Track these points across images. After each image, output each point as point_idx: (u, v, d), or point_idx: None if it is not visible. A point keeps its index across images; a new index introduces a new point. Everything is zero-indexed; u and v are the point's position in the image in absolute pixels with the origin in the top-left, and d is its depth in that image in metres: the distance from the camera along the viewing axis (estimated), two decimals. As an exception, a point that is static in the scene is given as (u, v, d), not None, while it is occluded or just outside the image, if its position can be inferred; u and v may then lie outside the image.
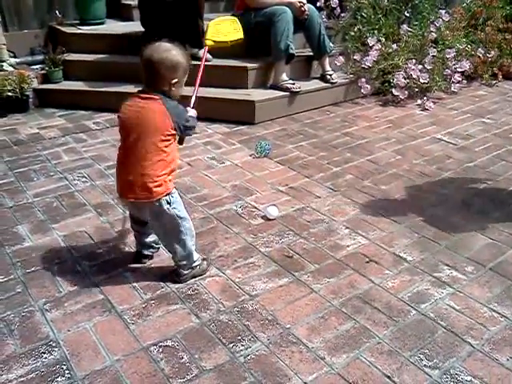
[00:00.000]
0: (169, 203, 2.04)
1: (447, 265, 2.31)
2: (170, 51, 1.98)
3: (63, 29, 4.82)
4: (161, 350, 1.85)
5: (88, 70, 4.45)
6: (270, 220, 2.65)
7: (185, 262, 2.17)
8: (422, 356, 1.82)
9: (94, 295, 2.11)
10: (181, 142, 2.26)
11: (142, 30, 4.32)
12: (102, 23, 5.00)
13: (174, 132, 2.01)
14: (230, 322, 1.98)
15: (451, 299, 2.10)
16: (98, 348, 1.85)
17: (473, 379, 1.73)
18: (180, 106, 2.06)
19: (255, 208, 2.79)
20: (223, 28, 2.51)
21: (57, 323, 1.96)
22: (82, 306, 2.05)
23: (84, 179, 3.10)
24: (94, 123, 4.00)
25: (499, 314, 2.02)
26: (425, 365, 1.78)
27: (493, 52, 5.01)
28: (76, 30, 4.82)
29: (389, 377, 1.74)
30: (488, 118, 4.15)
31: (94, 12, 4.94)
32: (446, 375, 1.74)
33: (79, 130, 3.86)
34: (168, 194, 2.03)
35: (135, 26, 4.55)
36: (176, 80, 1.99)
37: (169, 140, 2.00)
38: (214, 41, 2.46)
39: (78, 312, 2.02)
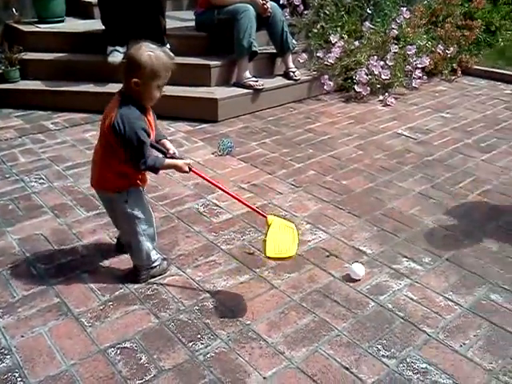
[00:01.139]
0: (126, 201, 2.02)
1: (405, 256, 2.35)
2: (138, 50, 1.89)
3: (20, 27, 4.69)
4: (119, 351, 1.82)
5: (47, 69, 4.35)
6: (355, 281, 2.20)
7: (141, 263, 2.16)
8: (379, 346, 1.84)
9: (50, 299, 2.06)
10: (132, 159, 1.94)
11: (103, 28, 4.25)
12: (61, 21, 4.88)
13: (115, 131, 1.88)
14: (189, 321, 1.96)
15: (409, 290, 2.13)
16: (54, 353, 1.81)
17: (428, 366, 1.76)
18: (135, 117, 1.90)
19: (217, 206, 2.77)
20: (283, 242, 2.02)
21: (9, 329, 1.90)
22: (36, 310, 2.00)
23: (41, 181, 3.02)
24: (52, 123, 3.91)
25: (454, 302, 2.06)
26: (382, 355, 1.80)
27: (452, 48, 5.11)
28: (34, 28, 4.70)
29: (347, 368, 1.75)
30: (447, 113, 4.23)
31: (53, 10, 4.83)
32: (403, 364, 1.77)
33: (37, 131, 3.76)
34: (122, 192, 2.01)
35: (96, 24, 4.47)
36: (136, 80, 1.87)
37: (110, 143, 1.93)
38: (275, 258, 2.04)
39: (32, 317, 1.96)
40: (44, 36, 4.60)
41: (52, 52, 4.43)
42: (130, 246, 2.15)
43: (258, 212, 2.18)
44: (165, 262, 2.24)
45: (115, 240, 2.38)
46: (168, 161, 2.04)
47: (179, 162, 2.06)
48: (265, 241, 2.00)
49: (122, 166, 1.97)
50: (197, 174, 2.13)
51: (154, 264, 2.18)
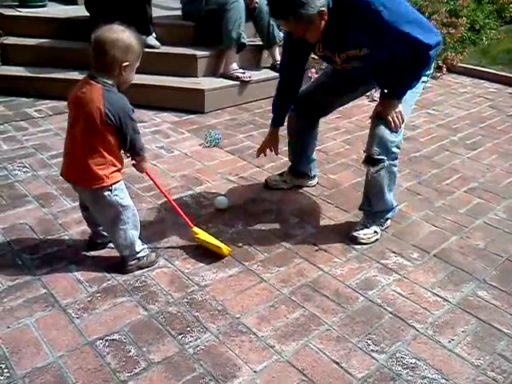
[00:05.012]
0: (110, 190, 1.97)
1: (394, 252, 2.36)
2: (123, 32, 1.88)
3: (1, 10, 4.57)
4: (107, 344, 1.79)
5: (29, 55, 4.25)
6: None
7: (127, 253, 2.12)
8: (369, 341, 1.85)
9: (36, 289, 2.02)
10: (129, 151, 2.04)
11: (87, 14, 4.16)
12: (43, 6, 4.78)
13: (111, 124, 1.86)
14: (178, 314, 1.94)
15: (397, 285, 2.15)
16: (41, 344, 1.77)
17: (417, 361, 1.77)
18: (124, 98, 1.92)
19: (204, 198, 2.75)
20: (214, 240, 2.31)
21: (-5, 320, 1.87)
22: (22, 301, 1.96)
23: (25, 169, 2.96)
24: (35, 111, 3.82)
25: (442, 298, 2.08)
26: (372, 349, 1.82)
27: (437, 45, 5.15)
28: (15, 12, 4.59)
29: (337, 363, 1.76)
30: (433, 110, 4.27)
31: (35, -7, 4.72)
32: (392, 359, 1.78)
33: (20, 118, 3.68)
34: (107, 181, 1.95)
35: (80, 10, 4.38)
36: (128, 63, 1.88)
37: (104, 131, 1.88)
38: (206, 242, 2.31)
39: (18, 308, 1.92)
40: (26, 21, 4.50)
41: (33, 37, 4.33)
42: (115, 237, 2.10)
43: (186, 221, 2.33)
44: (153, 254, 2.22)
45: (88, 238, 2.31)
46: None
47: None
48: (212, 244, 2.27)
49: (107, 154, 1.93)
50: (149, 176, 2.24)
51: (140, 254, 2.15)
